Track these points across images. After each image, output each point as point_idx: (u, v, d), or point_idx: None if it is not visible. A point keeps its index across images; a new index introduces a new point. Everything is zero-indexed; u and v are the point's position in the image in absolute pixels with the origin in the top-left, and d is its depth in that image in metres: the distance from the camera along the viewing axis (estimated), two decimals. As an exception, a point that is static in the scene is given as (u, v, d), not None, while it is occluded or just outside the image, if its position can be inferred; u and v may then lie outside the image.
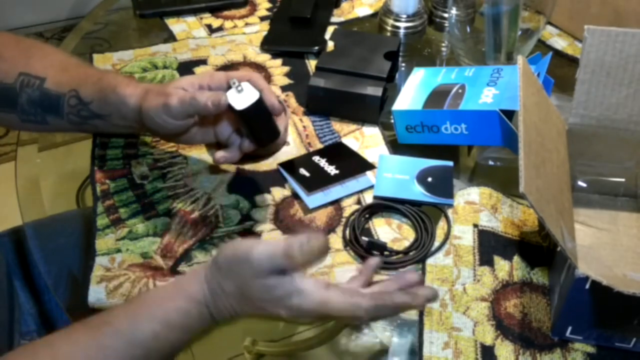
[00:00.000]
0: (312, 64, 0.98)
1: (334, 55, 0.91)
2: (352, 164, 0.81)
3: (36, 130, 0.83)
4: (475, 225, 0.74)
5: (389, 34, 1.04)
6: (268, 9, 1.11)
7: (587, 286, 0.57)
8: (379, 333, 0.66)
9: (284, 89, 0.94)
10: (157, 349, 0.55)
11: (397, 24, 1.04)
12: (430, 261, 0.71)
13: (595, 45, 0.70)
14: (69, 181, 0.90)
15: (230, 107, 0.67)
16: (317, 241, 0.55)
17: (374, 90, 0.86)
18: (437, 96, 0.83)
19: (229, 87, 0.68)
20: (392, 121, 0.84)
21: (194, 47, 1.01)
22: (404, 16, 1.03)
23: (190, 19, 1.08)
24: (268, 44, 1.01)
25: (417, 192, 0.77)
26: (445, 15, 1.06)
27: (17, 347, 0.75)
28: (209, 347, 0.71)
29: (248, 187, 0.79)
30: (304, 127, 0.88)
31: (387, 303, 0.57)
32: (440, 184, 0.78)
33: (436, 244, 0.72)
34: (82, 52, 1.01)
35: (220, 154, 0.72)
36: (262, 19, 1.09)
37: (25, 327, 0.80)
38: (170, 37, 1.04)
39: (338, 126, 0.88)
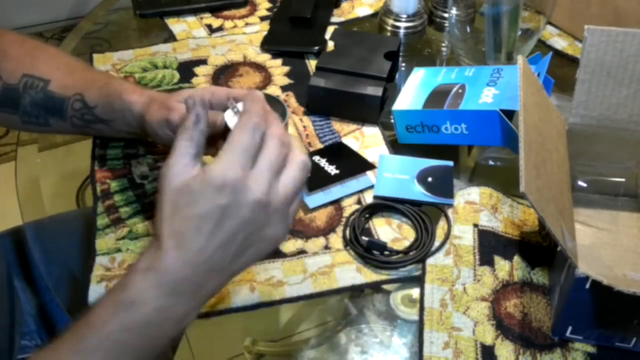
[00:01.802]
0: (312, 64, 0.98)
1: (334, 55, 0.91)
2: (352, 163, 0.81)
3: (38, 131, 0.83)
4: (476, 225, 0.74)
5: (389, 34, 1.04)
6: (268, 9, 1.11)
7: (588, 286, 0.57)
8: (379, 333, 0.66)
9: (284, 89, 0.94)
10: None
11: (397, 24, 1.04)
12: (430, 261, 0.71)
13: (595, 45, 0.70)
14: (69, 181, 0.90)
15: (227, 127, 0.67)
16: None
17: (374, 90, 0.86)
18: (437, 96, 0.83)
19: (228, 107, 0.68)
20: (392, 121, 0.84)
21: (194, 47, 1.01)
22: (404, 16, 1.03)
23: (191, 19, 1.08)
24: (268, 44, 1.01)
25: (417, 192, 0.77)
26: (445, 15, 1.06)
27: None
28: (209, 347, 0.71)
29: (248, 187, 0.79)
30: (304, 127, 0.88)
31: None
32: (441, 184, 0.78)
33: (436, 243, 0.72)
34: (82, 52, 1.01)
35: None
36: (262, 19, 1.09)
37: (25, 327, 0.80)
38: (171, 37, 1.04)
39: (338, 126, 0.88)
